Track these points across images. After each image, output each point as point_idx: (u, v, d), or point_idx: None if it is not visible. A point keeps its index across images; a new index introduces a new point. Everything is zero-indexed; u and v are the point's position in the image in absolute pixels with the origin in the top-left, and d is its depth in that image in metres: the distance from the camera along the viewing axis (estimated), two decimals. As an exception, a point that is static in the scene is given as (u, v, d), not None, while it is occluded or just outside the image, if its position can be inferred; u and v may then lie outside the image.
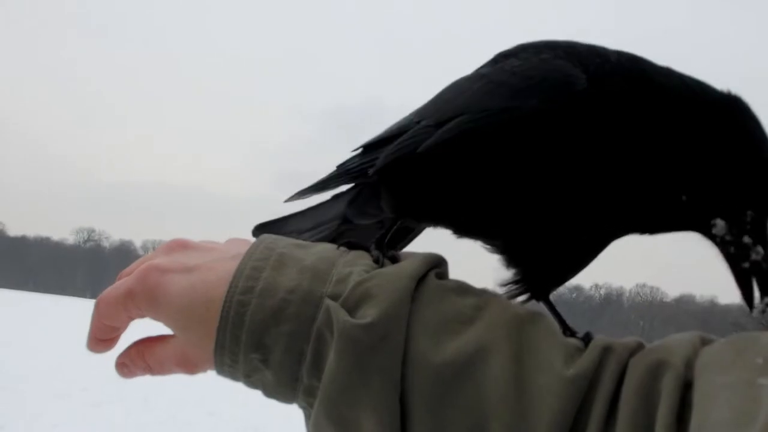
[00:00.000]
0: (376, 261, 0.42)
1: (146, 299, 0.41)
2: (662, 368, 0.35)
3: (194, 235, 0.46)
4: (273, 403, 0.43)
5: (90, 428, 4.65)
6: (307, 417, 0.40)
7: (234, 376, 0.41)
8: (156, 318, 0.42)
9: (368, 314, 0.37)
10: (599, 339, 0.38)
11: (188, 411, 5.62)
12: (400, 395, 0.37)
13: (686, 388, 0.34)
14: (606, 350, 0.37)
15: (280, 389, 0.40)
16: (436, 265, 0.41)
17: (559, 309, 0.60)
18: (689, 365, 0.35)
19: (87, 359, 0.46)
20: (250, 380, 0.40)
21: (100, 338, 0.44)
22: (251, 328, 0.39)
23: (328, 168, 0.52)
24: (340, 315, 0.37)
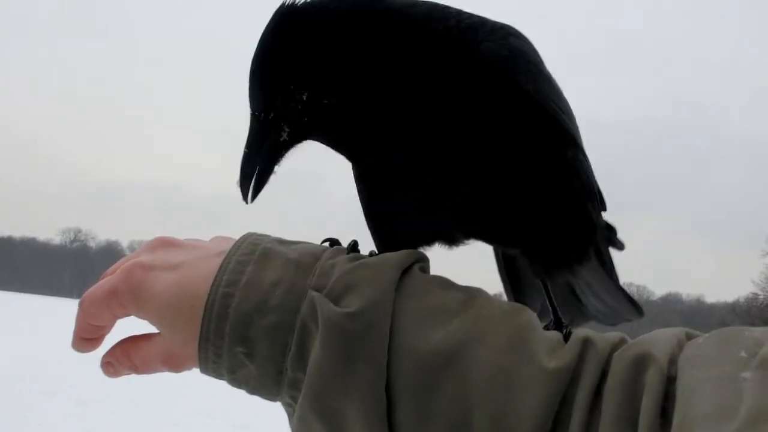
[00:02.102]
0: (353, 249, 0.42)
1: (131, 297, 0.41)
2: (646, 362, 0.35)
3: (182, 235, 0.45)
4: (262, 402, 0.43)
5: (77, 426, 4.61)
6: (290, 415, 0.40)
7: (218, 373, 0.41)
8: (141, 316, 0.42)
9: (353, 303, 0.38)
10: (580, 331, 0.39)
11: (175, 409, 5.58)
12: (385, 384, 0.37)
13: (670, 381, 0.34)
14: (586, 343, 0.37)
15: (265, 383, 0.39)
16: (419, 259, 0.42)
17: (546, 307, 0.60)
18: (673, 359, 0.35)
19: (74, 358, 0.45)
20: (234, 377, 0.40)
21: (85, 337, 0.43)
22: (235, 321, 0.39)
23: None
24: (325, 305, 0.38)
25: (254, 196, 0.44)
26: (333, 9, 0.43)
